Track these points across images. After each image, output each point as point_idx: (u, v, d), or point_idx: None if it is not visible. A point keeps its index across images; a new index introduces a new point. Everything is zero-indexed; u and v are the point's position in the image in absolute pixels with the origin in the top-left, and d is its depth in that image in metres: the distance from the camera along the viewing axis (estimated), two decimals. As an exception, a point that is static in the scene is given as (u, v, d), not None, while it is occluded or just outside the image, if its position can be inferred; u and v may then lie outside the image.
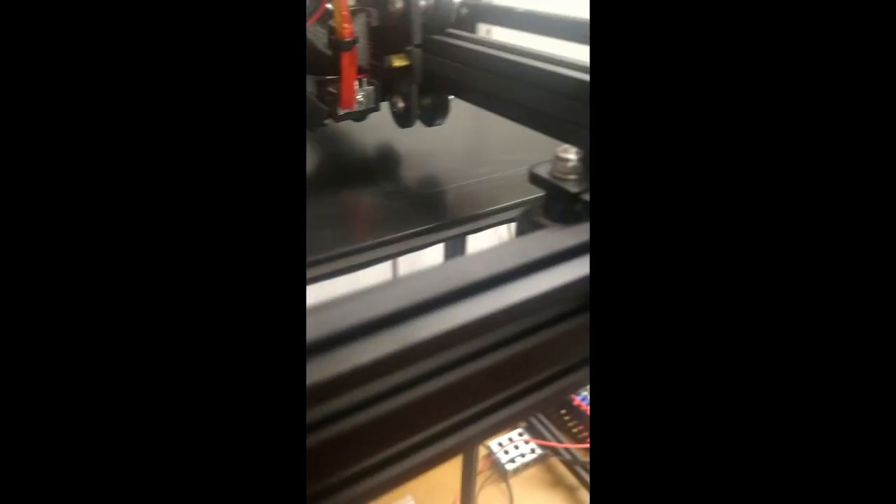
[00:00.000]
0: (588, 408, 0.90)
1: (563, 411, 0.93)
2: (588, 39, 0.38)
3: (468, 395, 0.19)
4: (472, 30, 0.54)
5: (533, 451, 0.90)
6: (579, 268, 0.19)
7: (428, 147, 0.42)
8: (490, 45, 0.31)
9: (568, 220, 0.22)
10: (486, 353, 0.18)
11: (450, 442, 0.19)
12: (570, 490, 0.87)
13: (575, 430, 0.91)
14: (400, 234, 0.29)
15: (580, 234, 0.20)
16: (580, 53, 0.28)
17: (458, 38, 0.34)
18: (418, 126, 0.38)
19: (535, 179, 0.23)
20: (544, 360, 0.20)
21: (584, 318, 0.20)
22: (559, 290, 0.18)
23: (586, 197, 0.21)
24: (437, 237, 0.30)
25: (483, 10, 0.52)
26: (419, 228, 0.30)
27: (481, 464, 0.89)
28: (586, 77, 0.24)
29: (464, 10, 0.39)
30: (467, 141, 0.43)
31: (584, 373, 0.21)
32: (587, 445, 0.88)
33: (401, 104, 0.37)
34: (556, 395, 0.21)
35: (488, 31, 0.59)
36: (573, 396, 0.92)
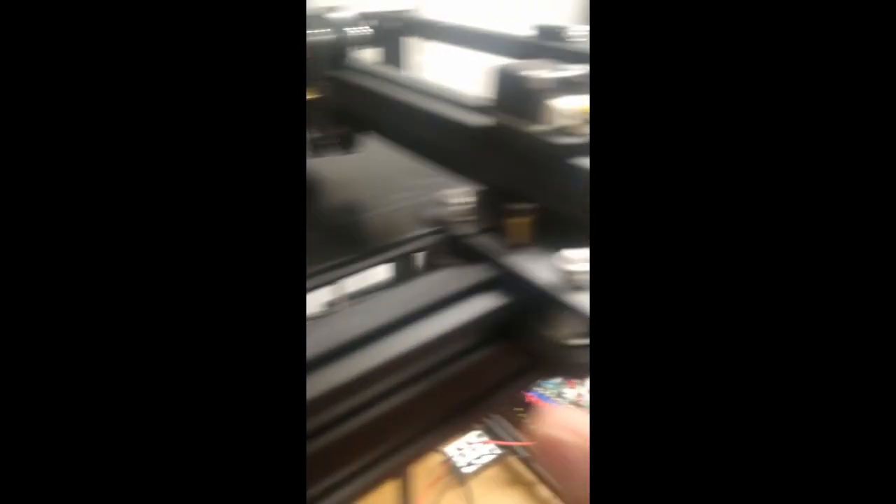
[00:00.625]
0: (543, 403, 0.92)
1: (519, 409, 0.95)
2: (515, 53, 0.39)
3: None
4: (396, 46, 0.54)
5: (490, 451, 0.92)
6: (480, 306, 0.20)
7: (345, 174, 0.42)
8: (390, 81, 0.32)
9: (466, 259, 0.23)
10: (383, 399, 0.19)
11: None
12: (528, 486, 0.89)
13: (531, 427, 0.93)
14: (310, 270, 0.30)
15: (469, 276, 0.21)
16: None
17: (364, 73, 0.34)
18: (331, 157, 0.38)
19: (430, 222, 0.24)
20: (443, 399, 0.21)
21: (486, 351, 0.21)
22: (458, 331, 0.19)
23: (473, 241, 0.22)
24: (347, 270, 0.31)
25: (412, 26, 0.53)
26: (321, 266, 0.30)
27: (438, 470, 0.90)
28: (480, 120, 0.25)
29: (369, 30, 0.39)
30: (385, 166, 0.44)
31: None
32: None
33: (316, 133, 0.37)
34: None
35: (420, 46, 0.59)
36: (527, 394, 0.94)
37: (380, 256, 0.33)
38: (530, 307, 0.21)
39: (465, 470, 0.89)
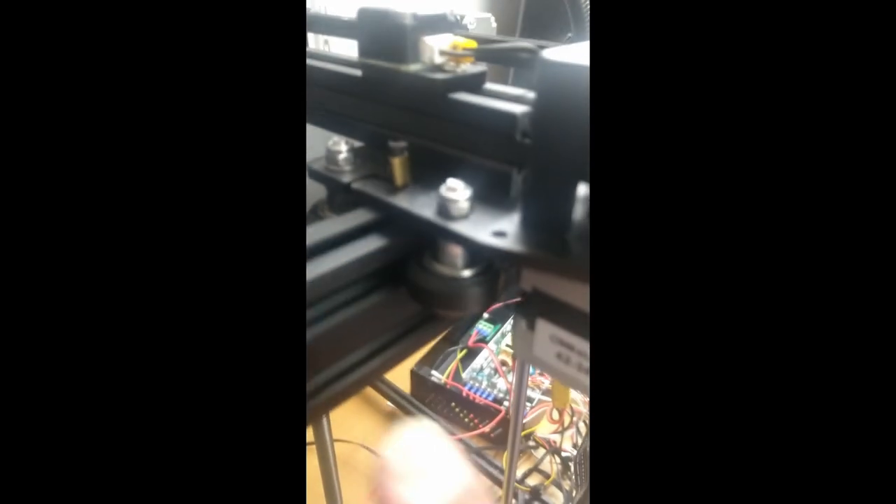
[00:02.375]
0: (474, 396, 0.92)
1: (454, 404, 0.95)
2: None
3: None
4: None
5: (428, 450, 0.90)
6: (365, 247, 0.19)
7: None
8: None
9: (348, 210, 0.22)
10: None
11: None
12: (469, 480, 0.88)
13: (466, 420, 0.93)
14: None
15: (350, 221, 0.20)
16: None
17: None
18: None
19: (312, 174, 0.23)
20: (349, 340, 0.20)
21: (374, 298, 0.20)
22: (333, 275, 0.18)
23: (357, 185, 0.21)
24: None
25: (311, 20, 0.51)
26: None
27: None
28: (356, 72, 0.24)
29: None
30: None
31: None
32: (479, 431, 0.91)
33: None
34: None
35: (326, 42, 0.58)
36: (461, 389, 0.94)
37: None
38: (417, 244, 0.20)
39: (405, 472, 0.87)
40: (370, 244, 0.19)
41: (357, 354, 0.21)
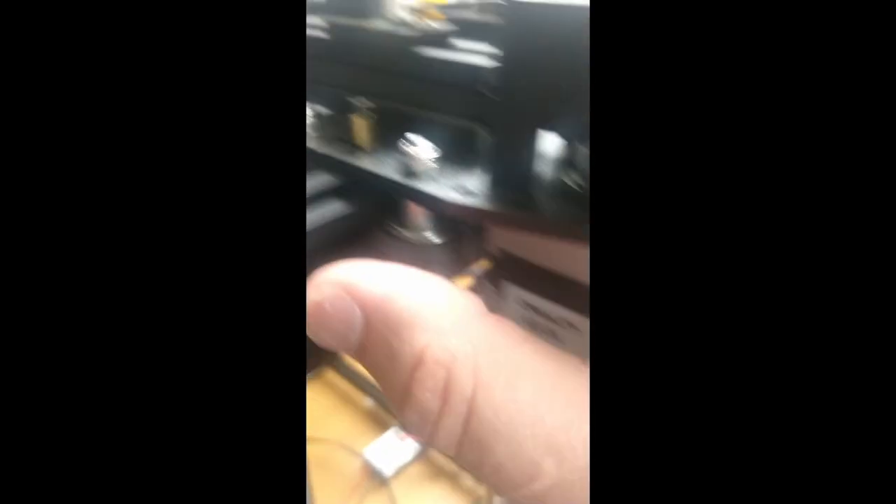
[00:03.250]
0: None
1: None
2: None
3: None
4: None
5: (410, 447, 0.89)
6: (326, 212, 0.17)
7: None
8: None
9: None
10: None
11: None
12: (452, 478, 0.87)
13: (448, 418, 0.92)
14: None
15: (311, 183, 0.19)
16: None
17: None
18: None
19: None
20: None
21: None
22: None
23: (318, 149, 0.20)
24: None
25: None
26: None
27: (358, 476, 0.86)
28: (322, 34, 0.23)
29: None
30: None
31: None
32: (461, 430, 0.90)
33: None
34: None
35: None
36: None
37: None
38: (381, 210, 0.19)
39: (386, 472, 0.85)
40: (332, 210, 0.18)
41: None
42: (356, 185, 0.19)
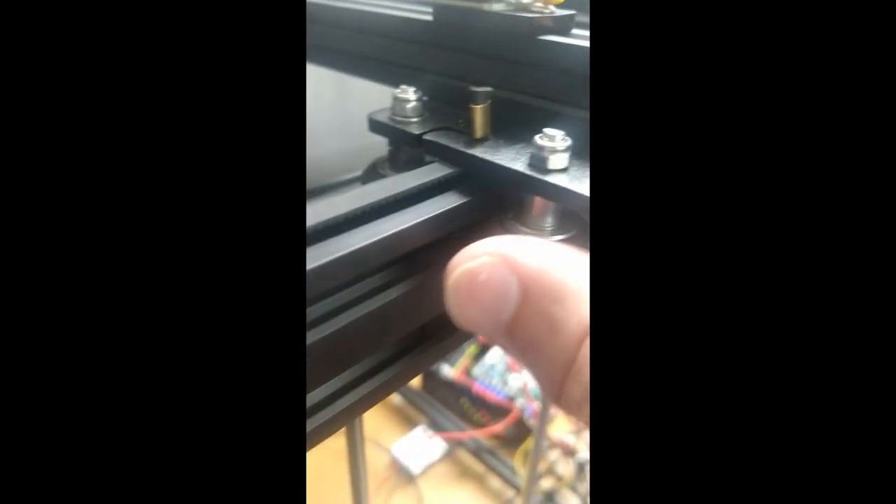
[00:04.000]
0: (485, 392, 0.90)
1: (463, 399, 0.93)
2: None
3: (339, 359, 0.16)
4: None
5: (438, 446, 0.88)
6: (428, 209, 0.16)
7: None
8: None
9: (414, 167, 0.20)
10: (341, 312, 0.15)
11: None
12: (478, 479, 0.86)
13: (476, 417, 0.91)
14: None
15: (424, 175, 0.18)
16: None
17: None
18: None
19: (374, 126, 0.20)
20: (401, 320, 0.18)
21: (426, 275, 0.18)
22: (409, 232, 0.15)
23: (429, 137, 0.19)
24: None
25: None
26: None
27: (386, 472, 0.85)
28: (426, 17, 0.22)
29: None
30: (311, 111, 0.40)
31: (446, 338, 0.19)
32: (491, 430, 0.89)
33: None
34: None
35: None
36: (471, 384, 0.92)
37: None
38: (497, 200, 0.18)
39: (413, 469, 0.84)
40: (448, 201, 0.17)
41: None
42: (471, 176, 0.18)
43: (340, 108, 0.41)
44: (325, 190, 0.29)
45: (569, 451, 0.86)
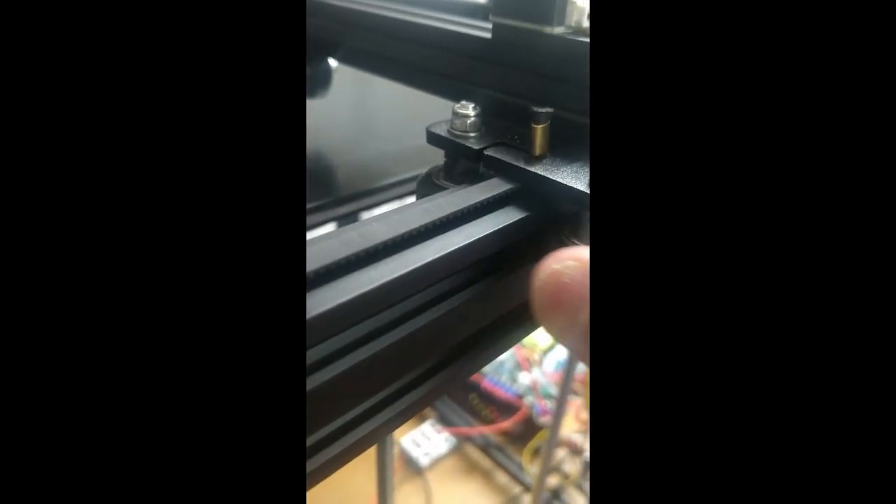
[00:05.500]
0: (495, 388, 0.91)
1: (472, 395, 0.94)
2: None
3: (378, 378, 0.17)
4: None
5: (446, 440, 0.90)
6: (493, 222, 0.17)
7: (312, 122, 0.38)
8: (377, 2, 0.29)
9: (471, 181, 0.20)
10: (390, 329, 0.16)
11: (361, 432, 0.17)
12: (486, 474, 0.88)
13: (485, 413, 0.92)
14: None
15: (487, 190, 0.19)
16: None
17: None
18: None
19: (433, 139, 0.21)
20: (451, 332, 0.19)
21: (486, 284, 0.19)
22: (478, 245, 0.16)
23: (490, 153, 0.20)
24: (326, 215, 0.28)
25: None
26: (312, 205, 0.27)
27: (395, 464, 0.87)
28: (485, 34, 0.23)
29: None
30: (351, 114, 0.41)
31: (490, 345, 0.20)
32: (499, 426, 0.90)
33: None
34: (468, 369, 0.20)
35: None
36: (480, 380, 0.93)
37: (355, 204, 0.30)
38: (556, 217, 0.19)
39: (422, 461, 0.86)
40: (511, 215, 0.18)
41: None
42: (530, 191, 0.19)
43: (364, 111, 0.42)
44: (375, 192, 0.30)
45: (576, 450, 0.87)
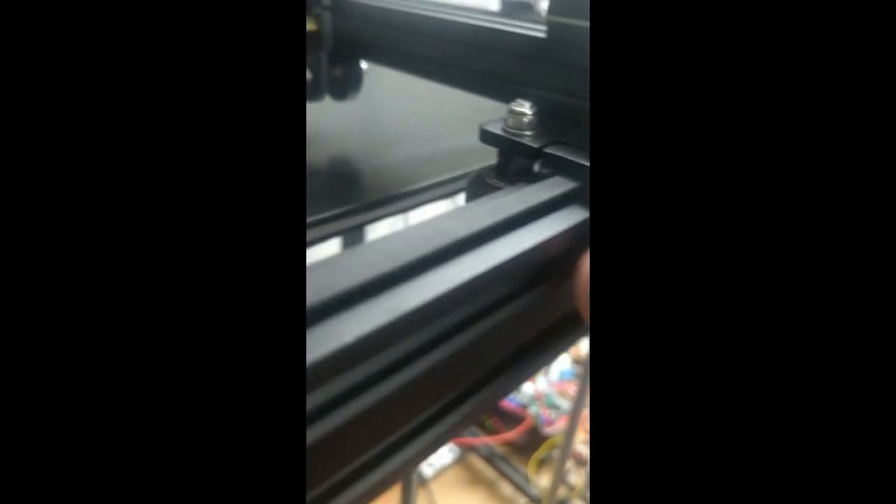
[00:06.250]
0: (513, 406, 0.91)
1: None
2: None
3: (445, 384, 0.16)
4: None
5: (450, 451, 0.88)
6: (562, 220, 0.17)
7: (341, 124, 0.38)
8: (417, 2, 0.28)
9: (526, 181, 0.20)
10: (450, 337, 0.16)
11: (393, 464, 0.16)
12: (490, 485, 0.86)
13: (489, 423, 0.91)
14: (328, 214, 0.26)
15: (554, 187, 0.18)
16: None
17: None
18: (327, 101, 0.34)
19: (487, 137, 0.21)
20: (511, 337, 0.18)
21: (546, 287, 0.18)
22: (553, 242, 0.16)
23: (549, 150, 0.19)
24: (367, 217, 0.27)
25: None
26: (343, 209, 0.26)
27: (400, 472, 0.86)
28: (538, 34, 0.22)
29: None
30: (383, 116, 0.40)
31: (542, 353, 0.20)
32: (503, 437, 0.89)
33: (308, 76, 0.33)
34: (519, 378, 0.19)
35: None
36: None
37: (384, 209, 0.29)
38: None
39: (426, 472, 0.85)
40: (570, 215, 0.17)
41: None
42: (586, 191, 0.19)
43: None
44: (410, 194, 0.29)
45: (581, 462, 0.86)
